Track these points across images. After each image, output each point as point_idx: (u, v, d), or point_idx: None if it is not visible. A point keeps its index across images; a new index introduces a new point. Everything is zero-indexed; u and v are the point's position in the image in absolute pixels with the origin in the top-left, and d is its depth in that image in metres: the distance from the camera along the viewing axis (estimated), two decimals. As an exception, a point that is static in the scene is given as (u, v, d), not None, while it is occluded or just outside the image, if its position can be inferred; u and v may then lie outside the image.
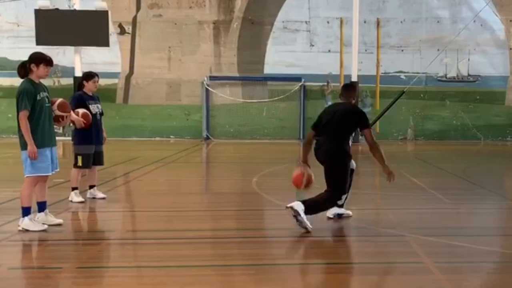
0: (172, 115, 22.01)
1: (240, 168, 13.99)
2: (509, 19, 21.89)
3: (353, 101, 7.49)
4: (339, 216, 7.47)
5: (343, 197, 7.18)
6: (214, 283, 5.06)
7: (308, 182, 7.09)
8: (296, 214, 6.66)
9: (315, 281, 5.06)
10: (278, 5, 21.97)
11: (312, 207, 6.82)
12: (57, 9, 20.11)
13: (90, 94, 8.73)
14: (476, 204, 8.87)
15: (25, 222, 6.65)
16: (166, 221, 7.57)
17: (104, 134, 8.91)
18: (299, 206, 6.69)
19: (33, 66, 6.58)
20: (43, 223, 6.80)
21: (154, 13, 21.95)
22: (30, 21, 20.10)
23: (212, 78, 21.82)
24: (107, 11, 20.06)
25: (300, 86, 21.69)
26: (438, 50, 21.66)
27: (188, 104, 22.03)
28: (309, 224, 6.70)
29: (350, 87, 7.69)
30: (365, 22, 21.54)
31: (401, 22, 22.01)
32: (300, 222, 6.67)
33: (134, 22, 21.89)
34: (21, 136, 6.57)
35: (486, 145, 20.60)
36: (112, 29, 21.13)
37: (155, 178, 11.65)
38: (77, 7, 20.17)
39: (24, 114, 6.47)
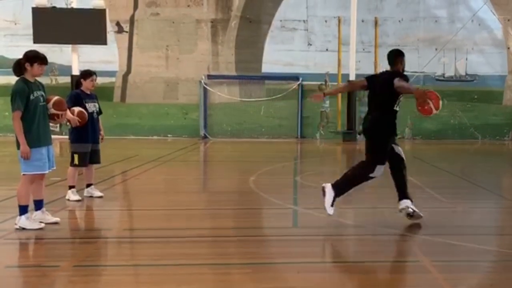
0: (169, 114, 21.98)
1: (238, 167, 13.98)
2: (507, 19, 21.90)
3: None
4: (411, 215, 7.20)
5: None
6: (211, 281, 5.06)
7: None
8: (323, 194, 6.91)
9: (312, 280, 5.06)
10: (276, 4, 21.95)
11: (342, 184, 6.98)
12: (54, 7, 20.07)
13: (88, 92, 8.70)
14: (473, 203, 8.87)
15: (22, 221, 6.63)
16: (164, 219, 7.56)
17: (102, 133, 8.90)
18: (329, 188, 6.93)
19: (27, 65, 6.54)
20: (40, 222, 6.79)
21: (152, 11, 21.92)
22: (27, 19, 20.03)
23: (209, 76, 21.79)
24: (104, 9, 20.02)
25: (298, 85, 21.68)
26: (436, 49, 21.68)
27: (185, 103, 22.00)
28: (329, 210, 6.87)
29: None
30: (362, 21, 21.53)
31: (399, 21, 22.01)
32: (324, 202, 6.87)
33: (131, 21, 21.85)
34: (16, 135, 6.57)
35: (483, 145, 20.61)
36: (110, 27, 21.08)
37: (153, 177, 11.64)
38: (75, 5, 20.13)
39: (16, 114, 6.46)
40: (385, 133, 7.04)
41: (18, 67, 6.62)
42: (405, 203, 7.05)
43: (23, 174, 6.65)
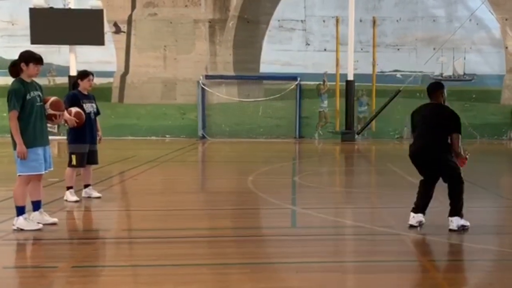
0: (167, 114, 21.98)
1: (236, 167, 13.98)
2: (505, 18, 21.92)
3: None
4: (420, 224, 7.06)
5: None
6: (210, 281, 5.05)
7: None
8: (457, 228, 6.75)
9: (310, 280, 5.04)
10: (273, 3, 21.96)
11: (457, 207, 6.86)
12: (51, 7, 20.07)
13: (85, 93, 8.70)
14: (471, 202, 8.83)
15: (20, 221, 6.61)
16: (162, 220, 7.54)
17: (100, 134, 8.88)
18: (455, 219, 6.80)
19: (23, 65, 6.54)
20: (38, 222, 6.77)
21: (150, 12, 21.91)
22: (25, 20, 20.05)
23: (207, 77, 21.80)
24: (102, 10, 20.04)
25: (296, 85, 21.69)
26: (434, 49, 21.69)
27: (183, 103, 22.00)
28: (463, 223, 6.79)
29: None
30: (361, 21, 21.54)
31: (397, 21, 22.02)
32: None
33: (129, 21, 21.85)
34: (12, 136, 6.55)
35: (482, 144, 20.62)
36: (107, 28, 21.09)
37: (151, 177, 11.62)
38: (72, 5, 20.12)
39: (13, 114, 6.45)
40: (449, 153, 6.95)
41: (14, 67, 6.60)
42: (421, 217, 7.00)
43: (19, 175, 6.63)
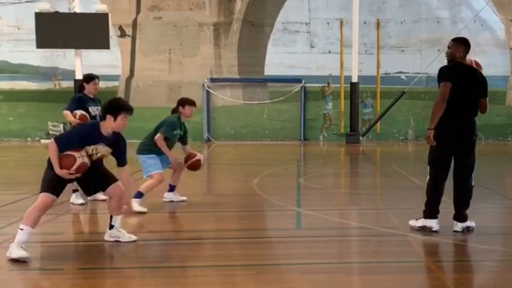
0: (173, 117, 21.98)
1: (241, 170, 14.00)
2: (509, 19, 21.88)
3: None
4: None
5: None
6: (215, 283, 5.07)
7: None
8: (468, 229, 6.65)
9: (315, 281, 5.06)
10: (278, 6, 21.98)
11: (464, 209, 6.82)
12: (57, 12, 20.13)
13: (91, 96, 8.75)
14: (476, 203, 8.83)
15: (137, 204, 7.74)
16: (167, 222, 7.58)
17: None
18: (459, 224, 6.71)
19: (180, 108, 8.79)
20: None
21: (154, 15, 21.97)
22: (30, 24, 20.11)
23: (212, 80, 21.82)
24: (107, 14, 20.07)
25: (301, 87, 21.70)
26: (438, 50, 21.61)
27: (188, 106, 22.00)
28: (469, 224, 6.71)
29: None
30: (365, 23, 21.54)
31: (401, 22, 22.01)
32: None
33: (134, 25, 21.91)
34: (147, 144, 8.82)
35: (486, 145, 20.56)
36: (113, 31, 21.13)
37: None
38: (77, 10, 20.19)
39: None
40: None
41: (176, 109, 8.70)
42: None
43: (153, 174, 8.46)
